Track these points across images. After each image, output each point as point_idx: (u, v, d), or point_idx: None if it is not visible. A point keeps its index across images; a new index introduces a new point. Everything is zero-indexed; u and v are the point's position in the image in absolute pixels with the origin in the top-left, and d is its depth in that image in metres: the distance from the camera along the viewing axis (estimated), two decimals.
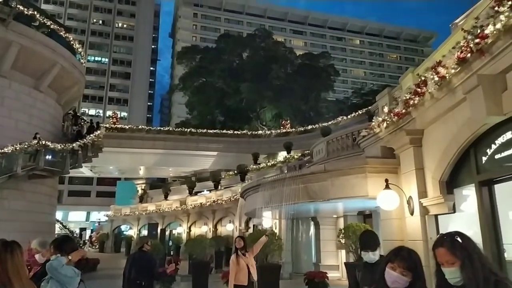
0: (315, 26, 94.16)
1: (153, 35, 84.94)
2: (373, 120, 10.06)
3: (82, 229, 35.81)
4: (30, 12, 17.13)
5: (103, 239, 33.42)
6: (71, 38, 19.98)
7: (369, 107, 24.70)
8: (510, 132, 5.22)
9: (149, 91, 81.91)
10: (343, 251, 11.77)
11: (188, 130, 37.92)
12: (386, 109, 9.07)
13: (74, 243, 4.19)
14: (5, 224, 14.37)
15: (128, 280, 6.24)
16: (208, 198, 24.97)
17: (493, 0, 4.92)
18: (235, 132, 38.83)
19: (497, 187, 5.65)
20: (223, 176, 30.23)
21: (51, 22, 18.43)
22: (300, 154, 27.51)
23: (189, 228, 25.98)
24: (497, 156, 5.50)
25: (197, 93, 50.86)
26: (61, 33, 18.88)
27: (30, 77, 17.63)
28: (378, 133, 9.49)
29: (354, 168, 9.08)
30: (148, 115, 79.96)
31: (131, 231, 32.39)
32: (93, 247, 33.10)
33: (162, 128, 39.77)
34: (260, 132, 41.53)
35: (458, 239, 2.20)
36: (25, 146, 15.49)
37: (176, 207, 27.26)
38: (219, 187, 27.63)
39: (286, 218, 14.94)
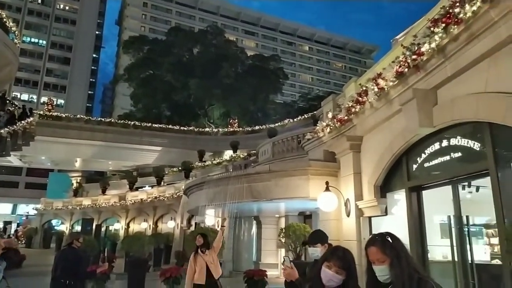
0: (267, 29, 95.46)
1: (98, 21, 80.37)
2: (318, 125, 10.46)
3: (7, 223, 32.92)
4: None
5: (31, 234, 31.02)
6: (4, 15, 18.27)
7: (315, 112, 25.60)
8: (437, 143, 5.71)
9: (91, 79, 77.34)
10: (283, 250, 12.06)
11: (132, 123, 36.51)
12: (330, 115, 9.47)
13: None
14: None
15: (53, 278, 5.83)
16: (150, 194, 24.21)
17: (430, 21, 5.34)
18: (182, 128, 38.16)
19: (425, 193, 6.15)
20: (166, 172, 29.50)
21: None
22: (246, 154, 27.72)
23: (128, 224, 24.99)
24: (426, 165, 5.99)
25: (143, 85, 49.10)
26: None
27: None
28: (321, 137, 9.88)
29: (298, 170, 9.35)
30: (88, 104, 75.42)
31: (63, 226, 30.42)
32: (19, 242, 30.56)
33: (103, 119, 37.84)
34: (207, 129, 41.21)
35: (389, 239, 2.35)
36: None
37: (115, 202, 26.08)
38: (162, 183, 26.92)
39: (229, 217, 14.97)
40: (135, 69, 50.40)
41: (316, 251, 3.70)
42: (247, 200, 10.72)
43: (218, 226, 14.61)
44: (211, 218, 14.36)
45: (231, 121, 42.94)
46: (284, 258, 3.08)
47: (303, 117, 32.06)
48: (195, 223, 17.96)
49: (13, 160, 31.67)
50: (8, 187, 52.96)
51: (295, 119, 33.61)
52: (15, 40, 19.79)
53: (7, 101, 23.41)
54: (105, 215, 26.99)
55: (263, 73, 50.30)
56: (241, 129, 40.18)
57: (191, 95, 48.08)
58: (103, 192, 29.83)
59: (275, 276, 12.04)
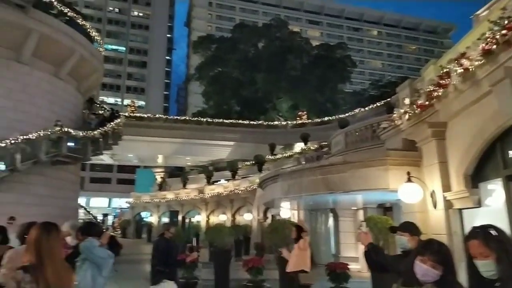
0: (332, 16, 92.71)
1: (169, 24, 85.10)
2: (394, 112, 9.99)
3: (105, 215, 36.77)
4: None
5: (125, 225, 34.22)
6: (89, 26, 20.16)
7: (389, 99, 24.38)
8: None
9: (166, 80, 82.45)
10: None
11: (205, 119, 38.20)
12: (407, 101, 8.99)
13: (99, 227, 4.37)
14: (32, 209, 14.87)
15: (152, 266, 6.41)
16: (226, 188, 25.23)
17: None
18: (251, 122, 38.91)
19: None
20: (240, 166, 30.44)
21: (69, 9, 18.60)
22: (317, 146, 27.44)
23: (208, 216, 26.36)
24: None
25: (213, 83, 50.92)
26: (79, 21, 19.02)
27: (50, 65, 17.95)
28: (399, 125, 9.43)
29: (375, 160, 9.05)
30: (165, 104, 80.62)
31: (152, 218, 33.06)
32: (116, 232, 33.95)
33: (179, 118, 40.19)
34: (276, 123, 41.50)
35: (492, 231, 2.21)
36: (49, 133, 15.92)
37: (194, 195, 27.66)
38: (237, 177, 27.87)
39: (305, 209, 15.04)
40: (204, 67, 52.41)
41: (403, 241, 3.60)
42: (322, 192, 10.66)
43: (294, 219, 14.76)
44: (286, 211, 14.55)
45: (299, 113, 42.72)
46: (361, 223, 3.16)
47: (375, 105, 30.75)
48: (271, 215, 18.33)
49: (105, 158, 35.14)
50: (103, 183, 59.13)
51: (366, 108, 32.36)
52: (99, 49, 21.86)
53: (97, 105, 26.03)
54: (187, 207, 28.75)
55: (330, 62, 49.09)
56: (310, 121, 39.79)
57: (259, 90, 48.73)
58: (184, 186, 31.78)
59: (356, 270, 11.81)
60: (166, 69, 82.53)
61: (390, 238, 7.83)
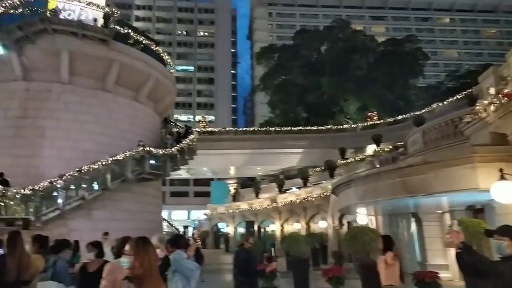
0: (397, 9, 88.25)
1: (232, 39, 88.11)
2: (477, 104, 9.16)
3: (185, 227, 38.83)
4: (126, 31, 19.12)
5: (204, 236, 35.79)
6: (161, 51, 21.79)
7: (470, 90, 22.42)
8: None
9: (232, 94, 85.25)
10: (453, 250, 10.84)
11: (273, 129, 38.61)
12: (492, 91, 8.20)
13: (186, 240, 4.61)
14: (123, 223, 16.25)
15: (234, 276, 6.58)
16: (298, 196, 25.10)
17: None
18: (319, 127, 38.37)
19: None
20: (310, 173, 30.15)
21: (143, 38, 20.31)
22: (391, 147, 26.11)
23: (282, 225, 26.42)
24: None
25: (277, 92, 51.31)
26: (153, 47, 20.70)
27: (130, 90, 19.67)
28: (485, 118, 8.64)
29: (460, 158, 8.35)
30: (233, 117, 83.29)
31: (228, 228, 34.09)
32: (196, 243, 35.63)
33: (247, 129, 41.16)
34: (345, 126, 40.41)
35: None
36: (133, 153, 17.37)
37: (267, 205, 27.94)
38: (308, 184, 27.61)
39: (383, 214, 14.33)
40: (268, 77, 53.11)
41: (501, 246, 3.24)
42: (401, 196, 10.09)
43: (372, 225, 14.15)
44: (363, 217, 13.99)
45: (369, 114, 41.10)
46: (452, 222, 2.94)
47: (455, 98, 28.40)
48: (347, 222, 17.78)
49: (182, 173, 37.27)
50: (182, 197, 62.66)
51: (444, 102, 30.01)
52: (171, 70, 23.43)
53: (172, 123, 27.78)
54: (261, 217, 29.13)
55: (398, 57, 46.61)
56: (381, 121, 38.06)
57: (324, 94, 47.96)
58: (257, 196, 32.32)
59: (447, 278, 10.88)
60: (232, 82, 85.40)
61: (484, 242, 7.13)
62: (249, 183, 43.57)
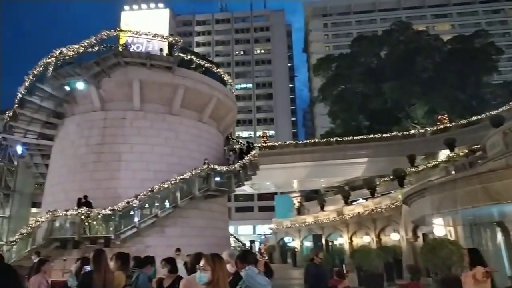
0: (462, 5, 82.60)
1: (288, 54, 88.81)
2: None
3: (252, 242, 39.21)
4: (188, 57, 20.27)
5: (271, 250, 35.74)
6: (221, 72, 22.76)
7: None
8: None
9: (291, 107, 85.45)
10: None
11: (334, 139, 37.83)
12: None
13: (255, 255, 4.65)
14: (193, 240, 16.92)
15: None
16: (366, 207, 24.09)
17: None
18: (384, 135, 36.76)
19: None
20: (378, 183, 28.85)
21: (204, 62, 21.38)
22: (467, 151, 24.12)
23: (350, 238, 25.48)
24: None
25: (337, 102, 50.48)
26: (214, 69, 21.70)
27: (194, 112, 20.69)
28: None
29: None
30: (293, 130, 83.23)
31: (294, 243, 33.71)
32: (263, 258, 35.75)
33: (308, 141, 40.75)
34: (412, 131, 38.28)
35: None
36: (199, 171, 18.11)
37: (334, 217, 27.18)
38: (376, 194, 26.43)
39: (463, 224, 13.17)
40: (327, 88, 52.52)
41: None
42: (483, 203, 9.22)
43: (451, 237, 13.06)
44: (440, 228, 12.98)
45: (439, 117, 38.53)
46: None
47: None
48: (422, 234, 16.62)
49: (246, 188, 37.89)
50: (246, 212, 63.52)
51: None
52: (232, 90, 24.27)
53: (234, 140, 28.55)
54: (328, 230, 28.39)
55: (468, 54, 43.46)
56: (453, 123, 35.46)
57: (387, 100, 46.08)
58: (322, 209, 31.65)
59: None
60: (291, 96, 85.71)
61: None
62: (313, 196, 42.89)
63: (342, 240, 26.78)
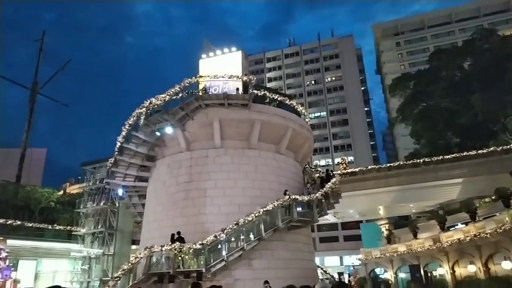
0: None
1: (360, 77, 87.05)
2: None
3: (340, 273, 37.41)
4: (262, 92, 21.13)
5: (362, 283, 33.66)
6: (295, 103, 23.19)
7: None
8: None
9: (369, 131, 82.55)
10: None
11: (421, 160, 35.20)
12: None
13: (348, 286, 4.56)
14: (279, 272, 16.87)
15: None
16: (467, 233, 21.63)
17: None
18: (480, 151, 33.30)
19: None
20: (477, 205, 25.96)
21: (277, 95, 22.06)
22: None
23: (452, 268, 22.94)
24: None
25: (420, 120, 47.55)
26: (287, 102, 22.24)
27: (272, 144, 21.24)
28: None
29: None
30: (373, 155, 79.79)
31: (387, 274, 31.39)
32: None
33: (392, 164, 38.53)
34: None
35: None
36: (281, 202, 18.25)
37: (430, 245, 24.84)
38: (477, 218, 23.73)
39: None
40: (406, 107, 50.00)
41: None
42: None
43: None
44: None
45: None
46: None
47: None
48: None
49: (329, 217, 36.90)
50: (331, 242, 61.33)
51: None
52: (306, 119, 24.47)
53: (312, 169, 28.30)
54: (424, 260, 25.95)
55: None
56: None
57: (478, 113, 42.12)
58: (415, 236, 29.24)
59: None
60: (367, 120, 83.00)
61: None
62: (403, 223, 39.94)
63: (442, 271, 24.24)
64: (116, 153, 21.60)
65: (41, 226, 30.35)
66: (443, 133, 45.68)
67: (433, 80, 47.09)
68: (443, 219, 27.35)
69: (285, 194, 18.71)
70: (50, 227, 30.78)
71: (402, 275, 28.77)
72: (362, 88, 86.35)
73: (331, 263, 57.64)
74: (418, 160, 35.55)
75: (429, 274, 25.62)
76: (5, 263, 17.89)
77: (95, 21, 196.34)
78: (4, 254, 17.86)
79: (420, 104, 48.64)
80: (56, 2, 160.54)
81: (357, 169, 38.26)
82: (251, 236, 17.68)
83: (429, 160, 34.58)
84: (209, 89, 20.29)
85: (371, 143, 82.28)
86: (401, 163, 38.49)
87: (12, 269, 20.48)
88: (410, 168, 35.02)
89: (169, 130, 19.94)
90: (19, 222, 27.91)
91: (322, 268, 28.80)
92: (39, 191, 40.17)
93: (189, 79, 20.02)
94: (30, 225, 29.08)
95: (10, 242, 20.23)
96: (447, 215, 29.55)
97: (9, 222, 26.70)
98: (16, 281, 19.19)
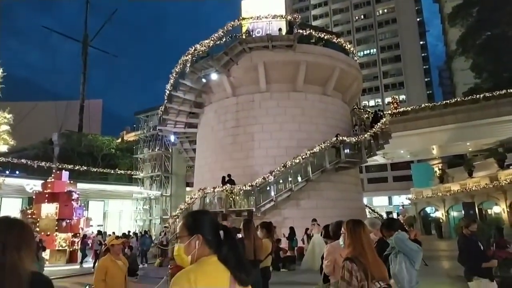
0: None
1: (416, 8, 79.42)
2: None
3: (388, 213, 37.59)
4: (307, 32, 20.20)
5: (411, 221, 33.69)
6: (342, 41, 22.00)
7: None
8: None
9: (424, 67, 76.88)
10: None
11: (481, 96, 32.64)
12: None
13: (400, 222, 4.58)
14: (327, 211, 17.29)
15: (462, 264, 6.10)
16: None
17: None
18: None
19: None
20: None
21: (324, 34, 21.01)
22: None
23: (509, 206, 22.11)
24: None
25: (482, 52, 43.36)
26: (334, 40, 21.14)
27: (318, 86, 20.69)
28: None
29: None
30: (428, 92, 75.01)
31: (438, 213, 31.07)
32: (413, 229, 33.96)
33: (448, 101, 36.15)
34: None
35: None
36: (328, 144, 18.19)
37: (486, 184, 23.91)
38: None
39: None
40: (468, 38, 45.54)
41: None
42: None
43: None
44: None
45: None
46: None
47: None
48: None
49: (378, 158, 36.24)
50: (380, 182, 60.91)
51: None
52: (355, 58, 23.29)
53: (360, 110, 27.43)
54: (479, 198, 25.17)
55: None
56: None
57: None
58: (470, 175, 28.16)
59: None
60: (422, 55, 76.97)
61: None
62: (457, 162, 38.36)
63: (498, 209, 23.50)
64: (166, 101, 22.32)
65: (104, 170, 33.14)
66: (509, 65, 41.49)
67: (500, 5, 41.85)
68: (503, 156, 25.92)
69: (336, 137, 18.53)
70: (112, 171, 33.52)
71: (454, 213, 28.36)
72: (418, 20, 79.09)
73: (380, 203, 57.75)
74: (477, 96, 33.00)
75: (483, 212, 24.96)
76: (77, 203, 20.02)
77: None
78: (76, 196, 19.91)
79: (484, 34, 44.02)
80: None
81: (409, 108, 36.46)
82: (299, 178, 18.08)
83: (490, 95, 31.95)
84: (253, 32, 19.74)
85: (426, 79, 76.95)
86: (458, 99, 35.99)
87: (84, 209, 22.96)
88: (469, 104, 32.67)
89: (214, 76, 20.04)
90: (85, 168, 30.66)
91: (370, 208, 29.04)
92: (100, 139, 43.27)
93: (232, 22, 19.57)
94: (95, 170, 31.87)
95: (79, 185, 22.40)
96: (506, 153, 27.89)
97: (77, 167, 29.38)
98: (88, 219, 21.56)
